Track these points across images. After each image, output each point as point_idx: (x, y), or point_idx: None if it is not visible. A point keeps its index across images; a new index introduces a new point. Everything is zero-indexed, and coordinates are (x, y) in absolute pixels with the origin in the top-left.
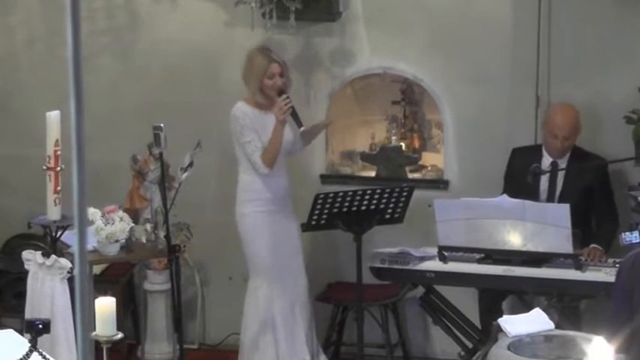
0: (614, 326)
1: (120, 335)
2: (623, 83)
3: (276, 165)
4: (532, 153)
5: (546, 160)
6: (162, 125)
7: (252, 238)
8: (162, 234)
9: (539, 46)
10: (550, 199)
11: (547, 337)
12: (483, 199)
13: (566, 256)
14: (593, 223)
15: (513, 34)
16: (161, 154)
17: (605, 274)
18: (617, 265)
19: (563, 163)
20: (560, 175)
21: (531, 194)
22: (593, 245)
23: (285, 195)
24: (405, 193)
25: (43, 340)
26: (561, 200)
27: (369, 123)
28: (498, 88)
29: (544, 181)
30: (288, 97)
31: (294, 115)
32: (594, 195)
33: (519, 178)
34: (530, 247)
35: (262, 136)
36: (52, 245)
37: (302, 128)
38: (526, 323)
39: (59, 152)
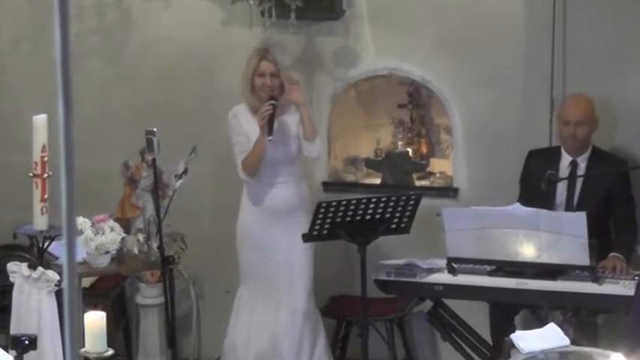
0: (633, 342)
1: (110, 352)
2: None
3: (274, 174)
4: (549, 155)
5: (565, 161)
6: (155, 130)
7: (239, 246)
8: (155, 245)
9: (553, 45)
10: (568, 204)
11: (562, 354)
12: (495, 207)
13: (582, 268)
14: (612, 232)
15: (526, 33)
16: (154, 160)
17: (623, 288)
18: (637, 278)
19: (582, 163)
20: (579, 180)
21: (548, 200)
22: (613, 254)
23: (283, 207)
24: (411, 202)
25: (29, 357)
26: (580, 206)
27: (373, 127)
28: (511, 90)
29: (561, 185)
30: (273, 104)
31: (270, 122)
32: (614, 200)
33: (535, 183)
34: (545, 259)
35: (255, 138)
36: (38, 257)
37: (269, 138)
38: (540, 339)
39: (46, 158)
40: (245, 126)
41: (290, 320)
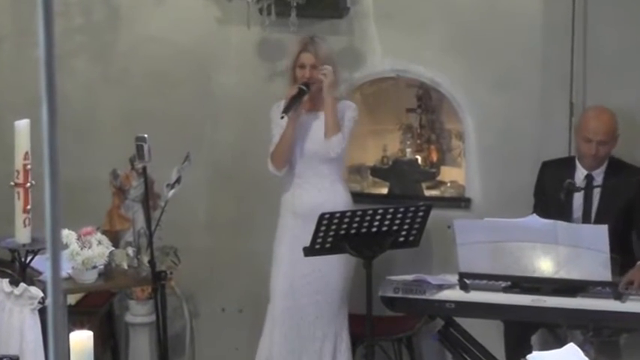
0: None
1: None
2: None
3: (303, 173)
4: (563, 166)
5: (580, 174)
6: (145, 136)
7: (274, 254)
8: (145, 259)
9: (573, 45)
10: (586, 218)
11: None
12: (510, 219)
13: (603, 284)
14: (634, 246)
15: (544, 32)
16: (144, 168)
17: None
18: None
19: (598, 176)
20: (597, 191)
21: (564, 213)
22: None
23: (310, 212)
24: (421, 213)
25: None
26: (598, 219)
27: (380, 133)
28: (527, 94)
29: (578, 197)
30: (300, 87)
31: (291, 101)
32: (635, 213)
33: (550, 195)
34: (563, 274)
35: (301, 137)
36: (21, 272)
37: (282, 115)
38: None
39: (29, 166)
40: (286, 119)
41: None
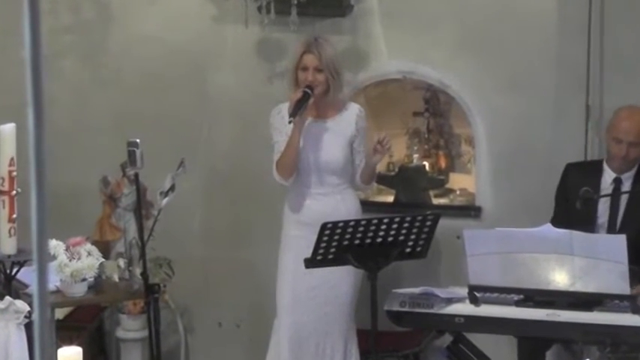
0: None
1: None
2: None
3: (313, 183)
4: (590, 170)
5: (608, 177)
6: (138, 141)
7: (279, 266)
8: (138, 271)
9: (589, 45)
10: (611, 224)
11: None
12: (523, 229)
13: (622, 297)
14: None
15: (559, 31)
16: (137, 175)
17: None
18: None
19: (627, 181)
20: (624, 197)
21: (587, 219)
22: None
23: (319, 222)
24: (428, 223)
25: None
26: (624, 227)
27: None
28: (541, 96)
29: (604, 202)
30: (305, 91)
31: (297, 104)
32: None
33: (573, 200)
34: (579, 287)
35: (310, 147)
36: (6, 285)
37: (289, 119)
38: None
39: (14, 173)
40: (288, 125)
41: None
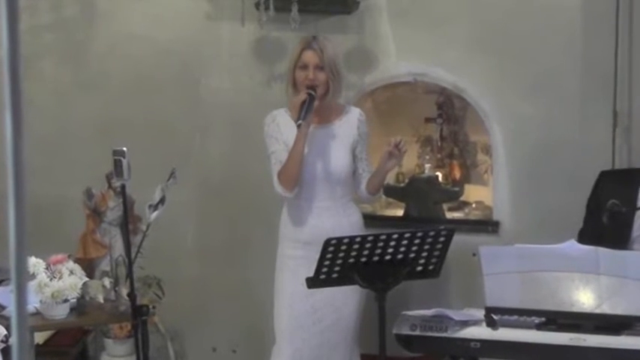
0: None
1: None
2: None
3: (314, 196)
4: (626, 178)
5: None
6: (124, 149)
7: (275, 289)
8: (124, 291)
9: (617, 44)
10: None
11: None
12: (544, 245)
13: None
14: None
15: (584, 29)
16: (123, 186)
17: None
18: None
19: None
20: None
21: (621, 234)
22: None
23: (319, 239)
24: (442, 239)
25: None
26: None
27: None
28: (565, 101)
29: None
30: (309, 93)
31: (302, 105)
32: None
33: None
34: (606, 309)
35: (312, 155)
36: None
37: (298, 122)
38: None
39: None
40: (285, 132)
41: None
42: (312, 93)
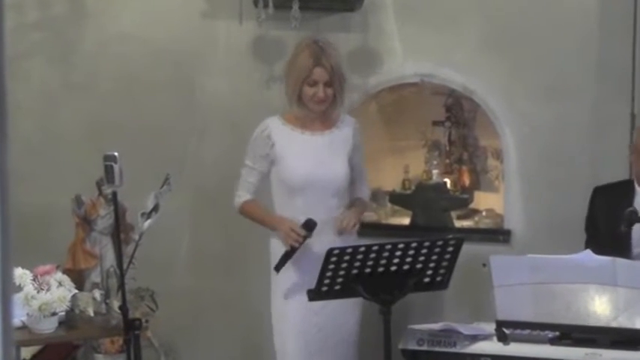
0: None
1: None
2: None
3: (308, 208)
4: (619, 191)
5: None
6: (116, 154)
7: (273, 310)
8: (116, 304)
9: (634, 46)
10: None
11: None
12: (558, 256)
13: None
14: None
15: (600, 30)
16: (115, 193)
17: None
18: None
19: None
20: None
21: (620, 248)
22: None
23: (312, 254)
24: (450, 248)
25: None
26: None
27: (401, 152)
28: (579, 104)
29: (638, 229)
30: (305, 237)
31: (286, 255)
32: None
33: (604, 227)
34: (623, 322)
35: (296, 157)
36: None
37: (275, 268)
38: None
39: None
40: (279, 141)
41: None
42: (296, 246)
